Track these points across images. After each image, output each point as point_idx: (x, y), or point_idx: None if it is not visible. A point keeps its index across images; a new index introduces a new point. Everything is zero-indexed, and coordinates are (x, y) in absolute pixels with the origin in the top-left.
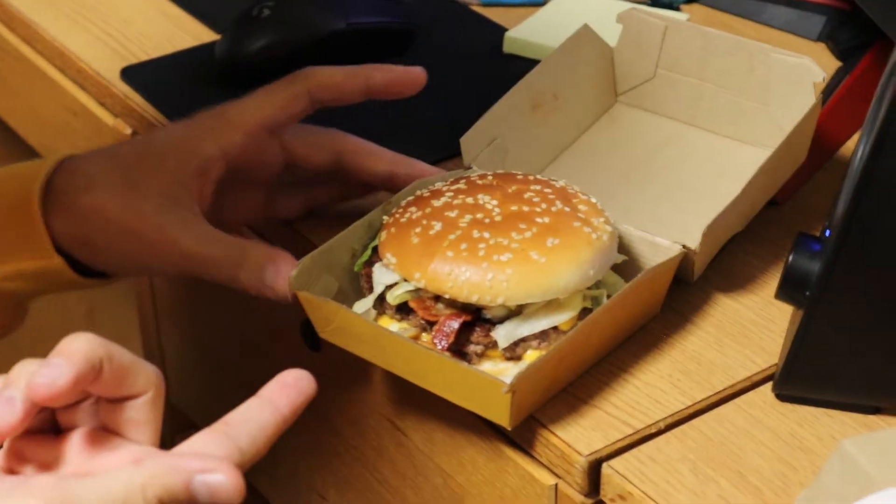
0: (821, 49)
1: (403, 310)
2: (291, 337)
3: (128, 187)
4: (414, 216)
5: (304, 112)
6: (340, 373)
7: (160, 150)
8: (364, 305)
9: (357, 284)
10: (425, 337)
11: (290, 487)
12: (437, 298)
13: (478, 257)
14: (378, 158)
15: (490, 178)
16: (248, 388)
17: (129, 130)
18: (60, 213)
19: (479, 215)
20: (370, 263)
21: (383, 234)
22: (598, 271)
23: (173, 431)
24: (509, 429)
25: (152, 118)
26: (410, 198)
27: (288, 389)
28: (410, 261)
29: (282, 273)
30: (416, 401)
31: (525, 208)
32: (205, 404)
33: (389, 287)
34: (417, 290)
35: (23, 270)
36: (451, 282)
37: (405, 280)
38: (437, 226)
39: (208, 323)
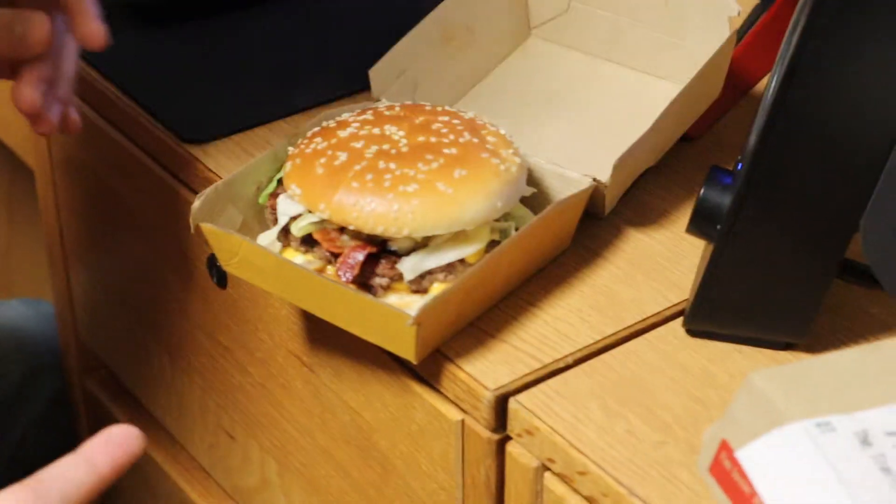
0: None
1: (308, 242)
2: (198, 273)
3: None
4: (319, 147)
5: None
6: (247, 308)
7: None
8: (268, 238)
9: (262, 217)
10: (330, 269)
11: (198, 426)
12: (342, 230)
13: (383, 188)
14: None
15: (398, 109)
16: (155, 327)
17: None
18: None
19: (385, 146)
20: (275, 196)
21: (288, 165)
22: (506, 203)
23: (82, 371)
24: (415, 363)
25: None
26: (316, 129)
27: (112, 448)
28: (315, 192)
29: (34, 24)
30: (323, 336)
31: (432, 139)
32: (115, 344)
33: (294, 218)
34: (322, 221)
35: None
36: (355, 212)
37: (310, 211)
38: (343, 156)
39: (116, 261)
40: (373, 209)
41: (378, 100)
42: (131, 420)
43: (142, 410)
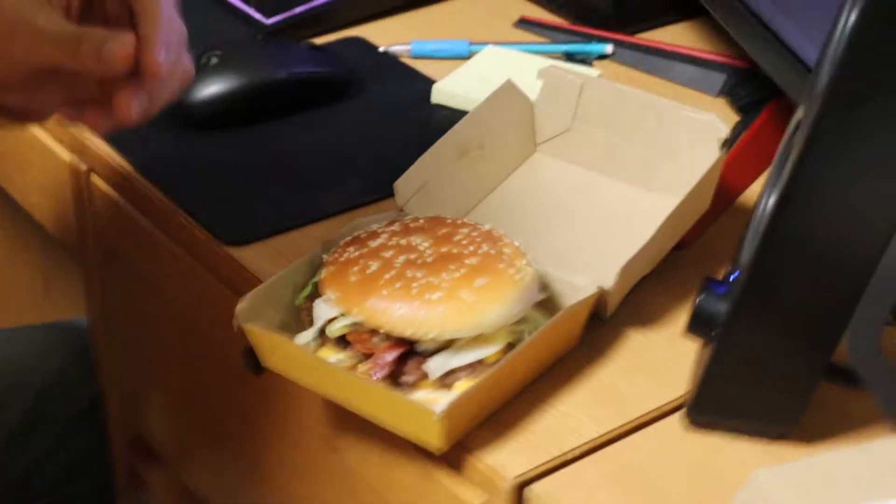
0: (721, 104)
1: (342, 342)
2: (233, 362)
3: None
4: (352, 256)
5: None
6: (279, 396)
7: None
8: (305, 338)
9: (298, 318)
10: (362, 367)
11: (234, 496)
12: (374, 332)
13: (411, 295)
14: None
15: (422, 221)
16: (192, 411)
17: (84, 167)
18: None
19: (412, 256)
20: (311, 298)
21: (324, 272)
22: (522, 309)
23: (122, 441)
24: (439, 454)
25: (106, 156)
26: (349, 238)
27: None
28: (349, 297)
29: (121, 43)
30: (351, 425)
31: (455, 250)
32: (151, 419)
33: (330, 321)
34: (355, 323)
35: None
36: (386, 317)
37: (343, 315)
38: (374, 265)
39: (157, 341)
40: (402, 315)
41: (402, 209)
42: (169, 487)
43: (179, 482)
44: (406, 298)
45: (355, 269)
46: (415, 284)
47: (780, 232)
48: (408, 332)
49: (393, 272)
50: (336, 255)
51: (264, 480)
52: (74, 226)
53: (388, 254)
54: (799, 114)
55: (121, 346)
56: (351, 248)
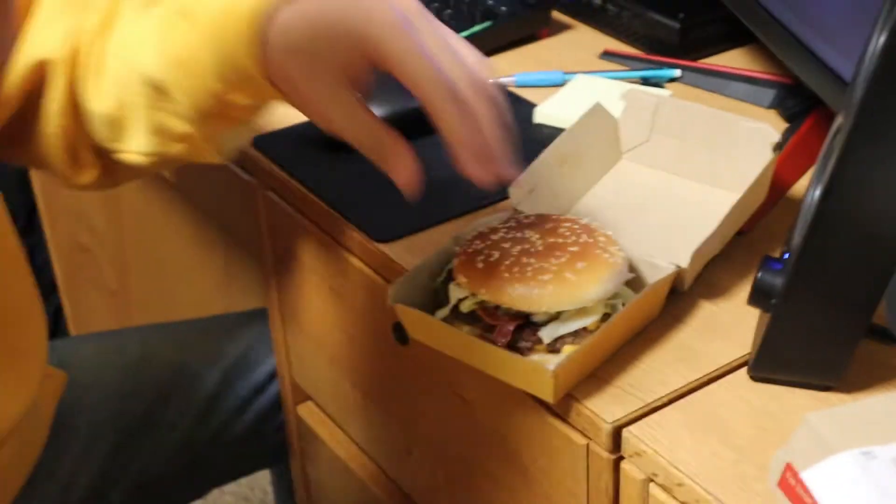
0: (772, 115)
1: (472, 316)
2: (385, 334)
3: (310, 57)
4: (477, 247)
5: None
6: (422, 362)
7: (342, 19)
8: (442, 314)
9: (435, 298)
10: (488, 336)
11: (385, 446)
12: (496, 308)
13: (526, 278)
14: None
15: (532, 217)
16: (352, 373)
17: (258, 184)
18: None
19: (525, 246)
20: (446, 282)
21: (456, 261)
22: (615, 286)
23: (295, 402)
24: (552, 403)
25: (277, 175)
26: (474, 233)
27: None
28: (477, 281)
29: (399, 170)
30: (481, 383)
31: (559, 240)
32: (320, 384)
33: (462, 300)
34: (481, 301)
35: (247, 106)
36: (507, 296)
37: (473, 294)
38: (495, 254)
39: (320, 323)
40: (519, 293)
41: (515, 208)
42: (333, 437)
43: (341, 432)
44: (522, 280)
45: (480, 258)
46: (529, 269)
47: (824, 218)
48: (524, 307)
49: (511, 259)
50: (464, 247)
51: (408, 430)
52: (253, 232)
53: (506, 245)
54: (838, 121)
55: (294, 327)
56: (476, 242)
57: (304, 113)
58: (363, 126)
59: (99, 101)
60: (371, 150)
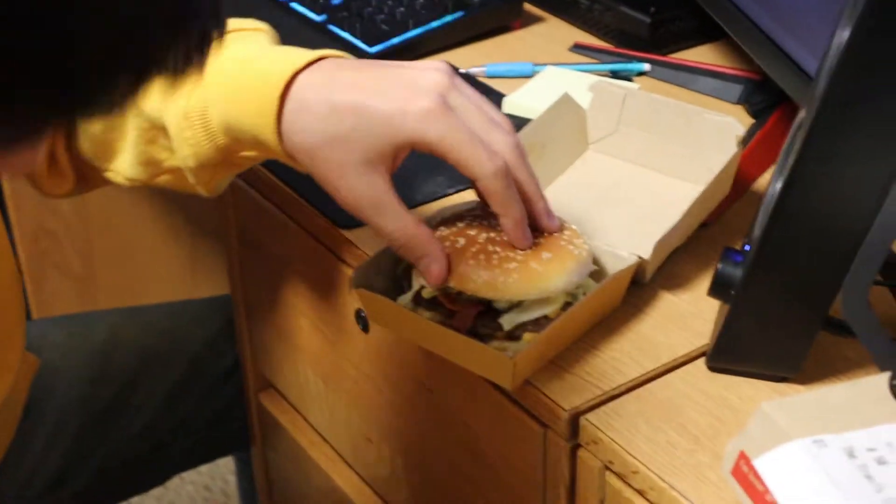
0: (739, 110)
1: (434, 302)
2: (347, 321)
3: (339, 140)
4: (443, 233)
5: None
6: (384, 347)
7: (376, 112)
8: (405, 299)
9: (398, 284)
10: (449, 323)
11: (344, 432)
12: (459, 294)
13: (492, 265)
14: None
15: None
16: (313, 360)
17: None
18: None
19: (491, 234)
20: (409, 268)
21: None
22: (579, 277)
23: (257, 390)
24: (511, 390)
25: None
26: (439, 219)
27: None
28: None
29: (432, 269)
30: (442, 369)
31: None
32: (281, 371)
33: (424, 286)
34: (445, 287)
35: (256, 158)
36: (471, 283)
37: None
38: (462, 241)
39: (282, 310)
40: (484, 280)
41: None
42: (294, 425)
43: (302, 420)
44: (487, 268)
45: (446, 244)
46: (494, 257)
47: (785, 211)
48: (489, 295)
49: (476, 247)
50: None
51: (369, 418)
52: (220, 217)
53: (471, 232)
54: (801, 115)
55: (257, 314)
56: (442, 228)
57: (325, 188)
58: (398, 224)
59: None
60: (404, 249)
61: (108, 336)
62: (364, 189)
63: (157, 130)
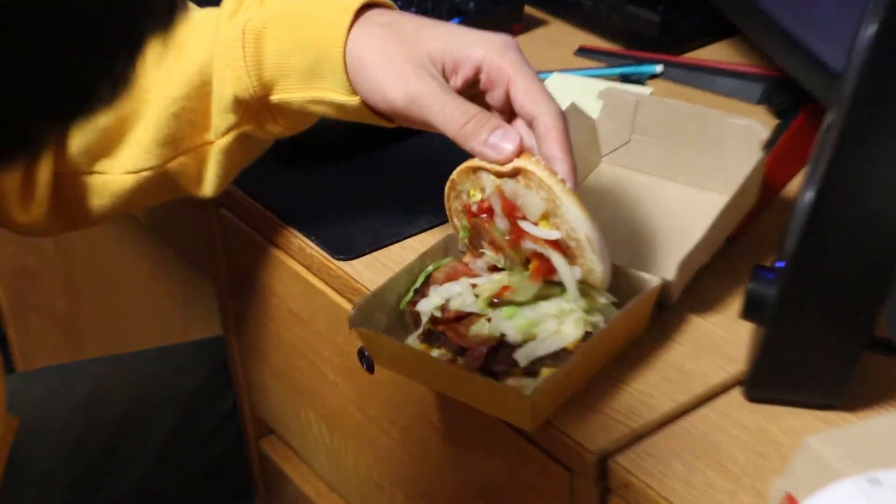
0: (760, 110)
1: (441, 339)
2: (349, 360)
3: (406, 37)
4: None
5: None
6: (389, 389)
7: (455, 28)
8: (411, 338)
9: (401, 321)
10: (459, 360)
11: (352, 479)
12: (468, 328)
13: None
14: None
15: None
16: (315, 403)
17: (214, 203)
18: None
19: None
20: (413, 303)
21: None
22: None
23: (257, 437)
24: (530, 431)
25: (232, 192)
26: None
27: None
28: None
29: (508, 137)
30: (453, 411)
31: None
32: (281, 416)
33: (444, 303)
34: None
35: (330, 100)
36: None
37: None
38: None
39: (280, 350)
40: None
41: None
42: (298, 473)
43: (306, 468)
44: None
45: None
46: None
47: (818, 223)
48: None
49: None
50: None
51: (379, 464)
52: (209, 253)
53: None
54: (829, 117)
55: (253, 356)
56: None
57: (371, 86)
58: (455, 103)
59: None
60: (468, 129)
61: (92, 388)
62: (418, 82)
63: (193, 92)
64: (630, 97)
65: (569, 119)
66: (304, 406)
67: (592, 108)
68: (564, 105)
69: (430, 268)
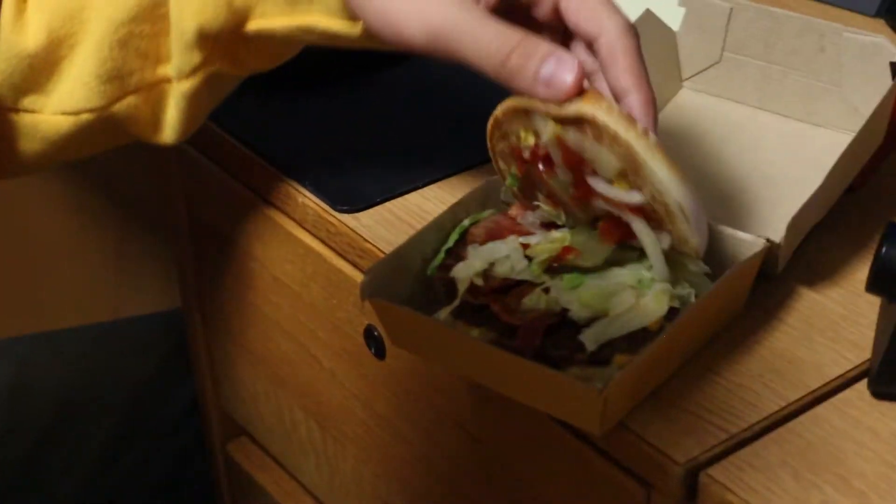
0: (880, 25)
1: (483, 314)
2: (352, 343)
3: None
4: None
5: None
6: (407, 379)
7: None
8: (443, 313)
9: (428, 291)
10: (507, 342)
11: (352, 495)
12: (519, 301)
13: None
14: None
15: None
16: (303, 396)
17: None
18: None
19: None
20: (444, 268)
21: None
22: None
23: (224, 439)
24: (599, 436)
25: None
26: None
27: None
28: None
29: (565, 68)
30: (492, 408)
31: None
32: (257, 412)
33: (488, 268)
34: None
35: (324, 28)
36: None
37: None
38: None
39: (257, 330)
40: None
41: None
42: (278, 485)
43: (288, 478)
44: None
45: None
46: None
47: None
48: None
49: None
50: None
51: (388, 476)
52: (162, 204)
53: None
54: None
55: (221, 336)
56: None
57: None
58: (492, 32)
59: (20, 33)
60: (512, 62)
61: (14, 376)
62: (439, 8)
63: (142, 14)
64: (722, 4)
65: (643, 32)
66: (288, 400)
67: (672, 19)
68: (635, 14)
69: (465, 222)
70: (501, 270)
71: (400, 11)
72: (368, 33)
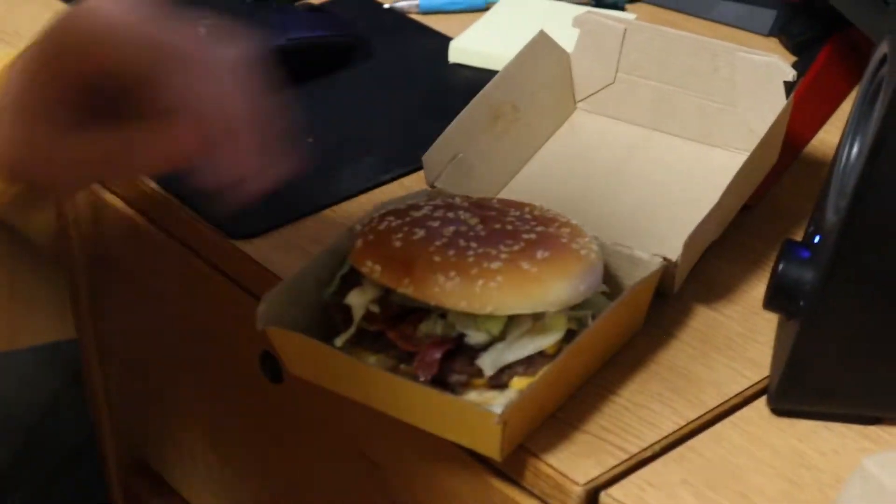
0: (773, 44)
1: (380, 341)
2: (249, 369)
3: None
4: (393, 224)
5: None
6: (303, 405)
7: None
8: (339, 340)
9: (326, 317)
10: (404, 369)
11: None
12: (415, 327)
13: (467, 263)
14: None
15: (460, 200)
16: (201, 424)
17: None
18: None
19: (462, 228)
20: (339, 294)
21: (359, 243)
22: (588, 289)
23: (123, 474)
24: (499, 461)
25: None
26: (384, 210)
27: None
28: (395, 266)
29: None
30: (392, 433)
31: (508, 227)
32: (157, 445)
33: (367, 315)
34: (399, 302)
35: None
36: (438, 287)
37: (389, 291)
38: (421, 232)
39: (160, 355)
40: (457, 283)
41: (433, 185)
42: None
43: None
44: (461, 267)
45: (398, 236)
46: (469, 253)
47: (874, 184)
48: (462, 305)
49: (444, 240)
50: (373, 224)
51: (291, 498)
52: (56, 229)
53: (434, 224)
54: (882, 49)
55: (117, 366)
56: (391, 218)
57: None
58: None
59: None
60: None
61: None
62: None
63: None
64: (615, 25)
65: (535, 55)
66: (187, 431)
67: (566, 40)
68: (530, 34)
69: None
70: (397, 297)
71: None
72: None
